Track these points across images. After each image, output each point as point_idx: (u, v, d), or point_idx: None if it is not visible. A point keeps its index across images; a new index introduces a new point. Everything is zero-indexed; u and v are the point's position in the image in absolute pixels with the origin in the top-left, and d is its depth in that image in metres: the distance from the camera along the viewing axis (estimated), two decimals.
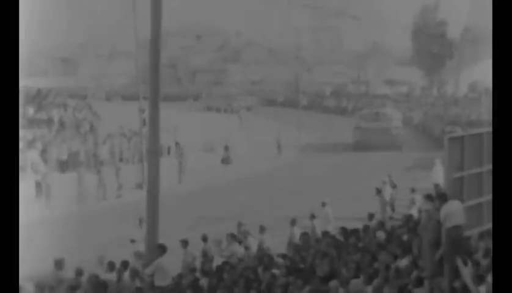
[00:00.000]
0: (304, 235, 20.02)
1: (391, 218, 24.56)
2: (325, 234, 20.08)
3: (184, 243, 19.55)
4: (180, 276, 16.99)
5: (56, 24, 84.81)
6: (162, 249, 16.61)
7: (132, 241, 19.99)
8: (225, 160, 43.85)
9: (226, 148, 44.37)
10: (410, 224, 19.98)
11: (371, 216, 22.03)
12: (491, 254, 14.32)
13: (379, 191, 26.98)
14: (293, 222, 21.60)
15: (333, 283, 14.17)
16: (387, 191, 27.18)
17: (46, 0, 74.12)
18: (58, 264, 17.53)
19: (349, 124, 54.79)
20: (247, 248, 19.62)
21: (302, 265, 16.43)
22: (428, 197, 15.78)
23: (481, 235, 16.47)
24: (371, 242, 17.89)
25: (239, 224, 21.17)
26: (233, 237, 19.64)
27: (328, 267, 15.84)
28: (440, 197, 14.97)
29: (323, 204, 23.36)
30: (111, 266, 17.28)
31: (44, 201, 32.62)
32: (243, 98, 78.52)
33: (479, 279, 13.89)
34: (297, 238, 20.16)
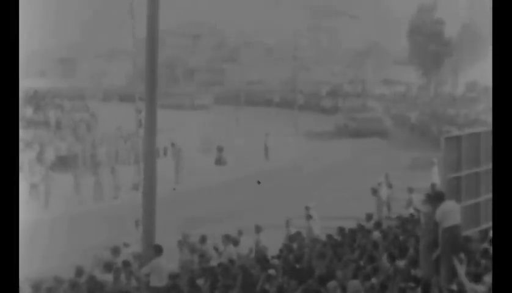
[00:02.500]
0: (297, 235, 20.00)
1: (387, 218, 24.51)
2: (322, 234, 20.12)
3: (181, 244, 19.51)
4: (177, 276, 16.94)
5: (53, 24, 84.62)
6: (158, 250, 16.54)
7: (126, 244, 19.93)
8: (219, 161, 43.55)
9: (219, 149, 44.06)
10: (407, 224, 19.98)
11: (369, 216, 21.96)
12: (488, 253, 14.32)
13: (374, 192, 26.90)
14: (288, 223, 21.54)
15: (331, 284, 14.13)
16: (383, 192, 27.11)
17: (43, 0, 74.00)
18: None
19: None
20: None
21: (297, 266, 16.39)
22: (426, 197, 15.77)
23: (481, 235, 16.45)
24: (367, 242, 17.87)
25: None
26: (227, 238, 19.58)
27: (324, 267, 15.80)
28: (436, 196, 14.92)
29: (307, 208, 23.05)
30: (108, 267, 17.30)
31: (42, 202, 32.57)
32: (199, 96, 78.58)
33: (476, 278, 13.86)
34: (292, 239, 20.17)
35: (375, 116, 55.52)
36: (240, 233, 20.32)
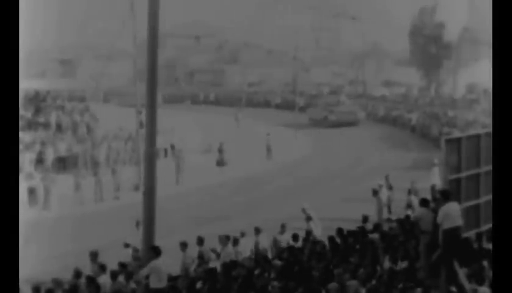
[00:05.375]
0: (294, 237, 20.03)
1: (388, 219, 24.48)
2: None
3: (183, 245, 19.49)
4: (175, 277, 16.94)
5: (54, 25, 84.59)
6: (156, 251, 16.47)
7: (126, 245, 19.92)
8: (220, 163, 43.62)
9: (220, 150, 44.09)
10: (407, 226, 19.95)
11: (365, 218, 21.90)
12: (490, 255, 14.31)
13: (375, 193, 26.81)
14: (282, 228, 21.50)
15: (332, 285, 14.13)
16: (384, 193, 27.06)
17: (44, 1, 73.99)
18: (93, 256, 18.30)
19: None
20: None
21: (296, 268, 16.38)
22: (423, 202, 15.82)
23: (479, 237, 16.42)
24: (367, 244, 17.84)
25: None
26: (226, 238, 19.58)
27: (323, 268, 15.80)
28: (442, 194, 14.88)
29: (303, 210, 22.99)
30: (103, 268, 17.32)
31: (42, 203, 32.57)
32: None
33: (480, 280, 13.85)
34: (284, 244, 20.17)
35: (350, 110, 63.68)
36: (242, 234, 20.34)
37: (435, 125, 52.18)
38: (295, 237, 20.34)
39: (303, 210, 22.72)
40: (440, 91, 76.94)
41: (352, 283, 14.05)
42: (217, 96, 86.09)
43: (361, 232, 19.40)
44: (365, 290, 13.95)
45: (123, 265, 17.77)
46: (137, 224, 20.41)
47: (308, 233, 21.11)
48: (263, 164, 44.65)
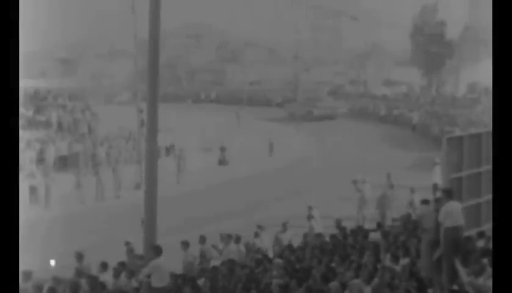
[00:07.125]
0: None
1: (393, 220, 24.49)
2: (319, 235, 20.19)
3: (185, 244, 19.52)
4: (177, 276, 16.94)
5: (54, 24, 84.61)
6: (157, 250, 16.46)
7: (127, 243, 19.95)
8: (222, 161, 43.73)
9: (222, 149, 44.23)
10: (409, 225, 19.97)
11: (338, 221, 21.76)
12: (489, 253, 14.31)
13: (355, 182, 26.83)
14: (284, 227, 21.53)
15: (333, 284, 14.12)
16: (367, 189, 27.04)
17: (44, 0, 73.99)
18: (79, 257, 18.37)
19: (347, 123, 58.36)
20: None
21: (298, 266, 16.39)
22: (424, 202, 15.84)
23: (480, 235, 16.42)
24: (367, 243, 17.86)
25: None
26: (229, 237, 19.62)
27: (324, 266, 15.80)
28: (446, 193, 14.89)
29: (309, 208, 23.06)
30: (105, 266, 17.33)
31: (43, 202, 32.57)
32: (125, 93, 78.82)
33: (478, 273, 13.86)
34: (285, 242, 20.24)
35: (330, 105, 67.17)
36: (256, 235, 20.41)
37: (437, 124, 52.18)
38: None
39: (309, 208, 22.85)
40: (441, 90, 76.90)
41: (355, 282, 14.03)
42: (218, 95, 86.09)
43: (361, 231, 19.44)
44: (368, 289, 13.92)
45: (122, 264, 17.80)
46: (142, 222, 20.41)
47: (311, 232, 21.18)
48: (265, 162, 44.68)
